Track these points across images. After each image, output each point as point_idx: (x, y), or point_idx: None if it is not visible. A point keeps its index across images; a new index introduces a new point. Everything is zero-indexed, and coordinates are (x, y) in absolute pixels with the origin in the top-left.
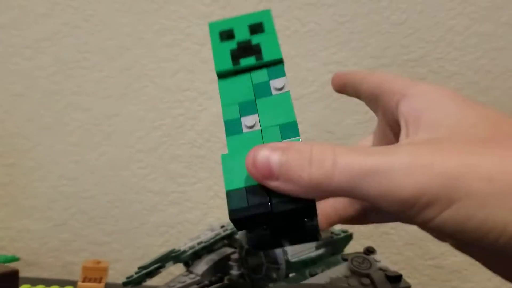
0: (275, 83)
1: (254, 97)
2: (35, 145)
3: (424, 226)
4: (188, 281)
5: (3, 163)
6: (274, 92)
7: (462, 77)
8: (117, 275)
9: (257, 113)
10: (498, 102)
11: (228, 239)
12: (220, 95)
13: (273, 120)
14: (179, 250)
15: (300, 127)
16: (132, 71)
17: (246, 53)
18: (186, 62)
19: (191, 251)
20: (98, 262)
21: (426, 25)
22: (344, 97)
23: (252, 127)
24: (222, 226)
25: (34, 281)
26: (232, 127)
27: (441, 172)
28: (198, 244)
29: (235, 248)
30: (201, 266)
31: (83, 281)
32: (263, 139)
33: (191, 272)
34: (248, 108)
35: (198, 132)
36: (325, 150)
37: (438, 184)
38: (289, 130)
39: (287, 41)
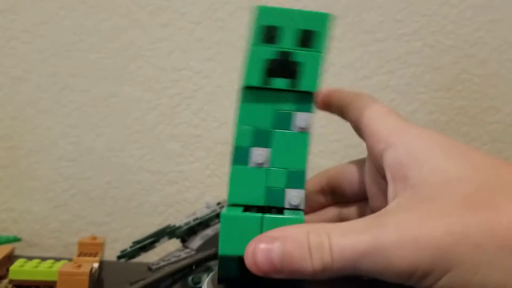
0: (299, 119)
1: (272, 126)
2: (35, 128)
3: None
4: (183, 255)
5: (3, 146)
6: (294, 128)
7: (458, 50)
8: (116, 254)
9: (270, 147)
10: (496, 75)
11: None
12: (239, 111)
13: (283, 162)
14: (174, 226)
15: None
16: (128, 52)
17: (282, 71)
18: (181, 41)
19: (186, 226)
20: (94, 238)
21: None
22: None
23: (260, 164)
24: (219, 203)
25: (31, 258)
26: (240, 156)
27: (430, 245)
28: (194, 220)
29: None
30: (196, 241)
31: (79, 255)
32: (266, 180)
33: (186, 247)
34: (262, 138)
35: (194, 112)
36: (321, 235)
37: (429, 257)
38: (296, 179)
39: None
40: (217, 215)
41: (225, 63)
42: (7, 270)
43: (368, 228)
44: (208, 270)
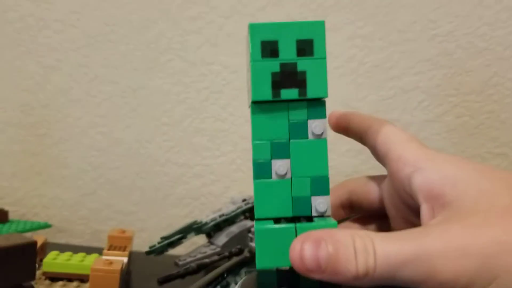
0: (314, 126)
1: (288, 137)
2: (65, 117)
3: None
4: (209, 251)
5: (35, 133)
6: (311, 136)
7: (492, 52)
8: (143, 243)
9: (289, 158)
10: None
11: (249, 212)
12: (252, 127)
13: (305, 170)
14: (201, 222)
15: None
16: (157, 44)
17: (289, 82)
18: (210, 35)
19: (212, 223)
20: (123, 231)
21: None
22: (370, 73)
23: (283, 175)
24: (244, 200)
25: (62, 247)
26: (261, 170)
27: (475, 253)
28: (220, 216)
29: None
30: (222, 238)
31: (109, 249)
32: (291, 190)
33: (212, 243)
34: (280, 150)
35: (222, 106)
36: (365, 240)
37: (474, 265)
38: (320, 186)
39: (311, 15)
40: (243, 212)
41: None
42: (40, 260)
43: (412, 236)
44: (235, 274)
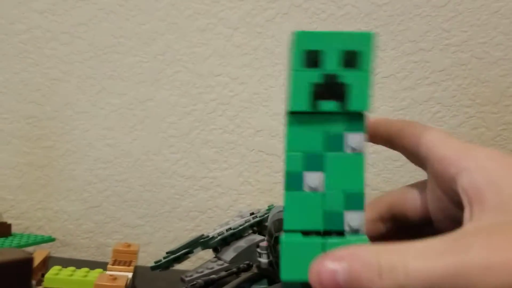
0: (352, 140)
1: (323, 149)
2: (72, 129)
3: None
4: (216, 267)
5: (41, 146)
6: (347, 149)
7: (508, 62)
8: (149, 258)
9: (323, 171)
10: None
11: (257, 226)
12: (288, 137)
13: (339, 184)
14: (207, 236)
15: None
16: (165, 56)
17: (329, 93)
18: (218, 46)
19: (219, 237)
20: (129, 245)
21: (469, 8)
22: (380, 84)
23: (315, 188)
24: (252, 213)
25: (66, 262)
26: (293, 182)
27: None
28: (227, 230)
29: (264, 235)
30: (229, 253)
31: (113, 264)
32: (323, 204)
33: (219, 259)
34: (314, 162)
35: (229, 118)
36: (395, 258)
37: None
38: (354, 201)
39: (323, 25)
40: (251, 226)
41: (262, 70)
42: (42, 275)
43: (449, 249)
44: None
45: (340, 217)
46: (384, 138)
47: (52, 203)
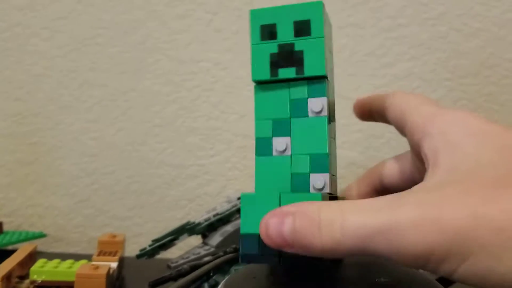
0: (314, 104)
1: (289, 115)
2: (57, 124)
3: (450, 278)
4: (203, 252)
5: (27, 142)
6: (310, 114)
7: (487, 33)
8: (139, 248)
9: (290, 135)
10: None
11: None
12: (255, 106)
13: (304, 148)
14: (193, 222)
15: None
16: (145, 45)
17: (286, 62)
18: (198, 32)
19: (206, 223)
20: (114, 236)
21: None
22: (361, 62)
23: (283, 151)
24: (239, 198)
25: (56, 256)
26: (262, 147)
27: (450, 227)
28: (214, 216)
29: None
30: (216, 238)
31: (98, 255)
32: (290, 167)
33: (206, 244)
34: (281, 127)
35: (213, 104)
36: (333, 211)
37: (448, 239)
38: (319, 163)
39: None
40: (238, 210)
41: (244, 54)
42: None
43: (385, 206)
44: (224, 272)
45: (306, 179)
46: (377, 115)
47: (42, 199)
